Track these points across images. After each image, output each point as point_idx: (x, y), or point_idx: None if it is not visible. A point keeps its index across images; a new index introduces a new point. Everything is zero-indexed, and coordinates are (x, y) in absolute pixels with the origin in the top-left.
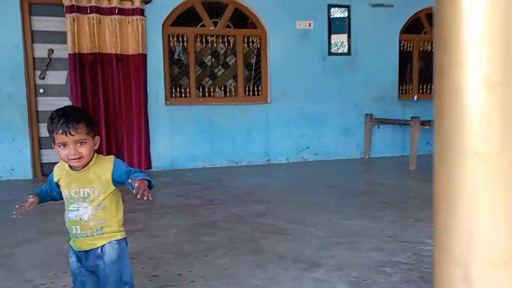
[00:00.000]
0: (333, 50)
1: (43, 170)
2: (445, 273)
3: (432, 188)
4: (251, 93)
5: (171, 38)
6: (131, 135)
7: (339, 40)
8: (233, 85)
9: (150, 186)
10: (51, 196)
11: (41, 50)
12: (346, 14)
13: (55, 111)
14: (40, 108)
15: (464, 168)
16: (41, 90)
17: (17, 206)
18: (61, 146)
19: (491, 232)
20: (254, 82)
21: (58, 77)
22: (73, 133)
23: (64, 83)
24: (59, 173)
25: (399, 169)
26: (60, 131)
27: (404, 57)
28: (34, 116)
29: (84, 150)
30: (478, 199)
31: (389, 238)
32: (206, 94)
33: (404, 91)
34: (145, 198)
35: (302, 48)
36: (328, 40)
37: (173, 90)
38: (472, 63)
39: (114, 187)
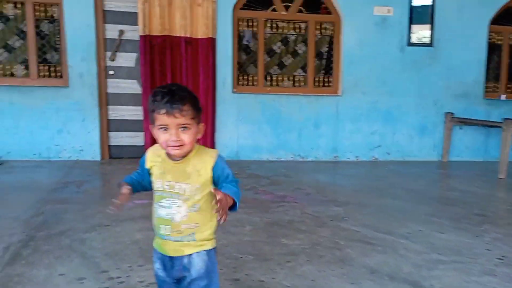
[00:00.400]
0: (414, 40)
1: (110, 152)
2: None
3: None
4: (321, 84)
5: (240, 22)
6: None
7: (421, 30)
8: (302, 75)
9: (234, 206)
10: (142, 185)
11: (111, 31)
12: (430, 2)
13: (159, 87)
14: (109, 90)
15: None
16: (111, 72)
17: (113, 200)
18: (162, 129)
19: None
20: (325, 72)
21: (127, 59)
22: (177, 115)
23: (133, 65)
24: (153, 159)
25: (485, 176)
26: (163, 111)
27: (492, 51)
28: (103, 98)
29: (186, 137)
30: None
31: (499, 260)
32: (274, 84)
33: (490, 89)
34: (219, 221)
35: (379, 36)
36: (408, 29)
37: (240, 78)
38: None
39: (212, 187)
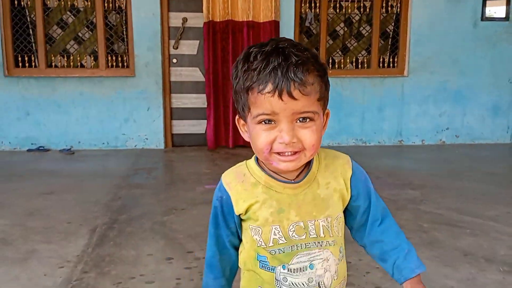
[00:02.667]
0: (488, 14)
1: (173, 140)
2: None
3: None
4: (385, 65)
5: (303, 4)
6: None
7: (496, 4)
8: (365, 56)
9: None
10: (232, 269)
11: (175, 19)
12: None
13: (253, 47)
14: (172, 79)
15: None
16: (174, 60)
17: None
18: (264, 122)
19: None
20: (390, 52)
21: (189, 46)
22: (296, 95)
23: (195, 53)
24: (248, 194)
25: None
26: (269, 88)
27: None
28: (167, 86)
29: (310, 136)
30: None
31: None
32: (336, 66)
33: None
34: None
35: (450, 12)
36: (483, 2)
37: None
38: None
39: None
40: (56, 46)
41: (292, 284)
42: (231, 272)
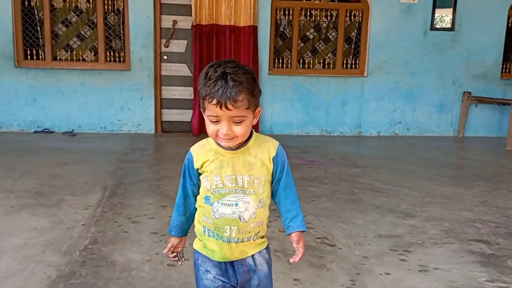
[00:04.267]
0: (436, 25)
1: (162, 126)
2: None
3: None
4: (348, 66)
5: (278, 11)
6: None
7: (444, 14)
8: (331, 58)
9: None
10: (191, 212)
11: (167, 21)
12: None
13: (211, 67)
14: (163, 73)
15: None
16: (165, 57)
17: (170, 256)
18: (212, 120)
19: None
20: (353, 55)
21: (179, 45)
22: (230, 107)
23: (184, 51)
24: (204, 156)
25: (495, 148)
26: (214, 102)
27: (510, 34)
28: (158, 79)
29: (240, 129)
30: None
31: (480, 203)
32: (306, 66)
33: (507, 70)
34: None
35: (404, 22)
36: (432, 14)
37: (276, 61)
38: None
39: (271, 178)
40: (60, 41)
41: (222, 213)
42: (190, 215)
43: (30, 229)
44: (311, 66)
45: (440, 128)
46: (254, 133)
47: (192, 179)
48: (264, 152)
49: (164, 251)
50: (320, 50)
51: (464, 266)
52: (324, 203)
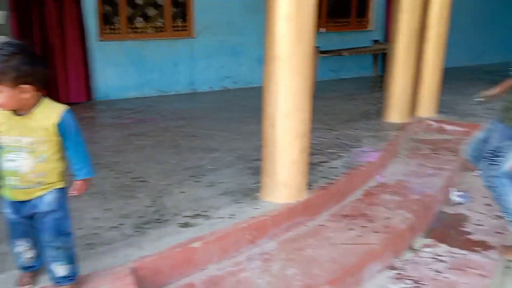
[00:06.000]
0: None
1: None
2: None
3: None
4: (178, 29)
5: None
6: (69, 70)
7: None
8: (161, 22)
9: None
10: None
11: None
12: None
13: None
14: None
15: (273, 67)
16: None
17: None
18: None
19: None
20: (182, 19)
21: None
22: None
23: (3, 23)
24: (2, 118)
25: None
26: None
27: None
28: None
29: (0, 100)
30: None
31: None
32: (138, 31)
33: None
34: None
35: None
36: None
37: (107, 28)
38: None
39: (58, 138)
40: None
41: (6, 167)
42: None
43: None
44: (142, 30)
45: (261, 79)
46: (44, 102)
47: None
48: (47, 118)
49: None
50: (152, 16)
51: (241, 177)
52: (148, 152)
